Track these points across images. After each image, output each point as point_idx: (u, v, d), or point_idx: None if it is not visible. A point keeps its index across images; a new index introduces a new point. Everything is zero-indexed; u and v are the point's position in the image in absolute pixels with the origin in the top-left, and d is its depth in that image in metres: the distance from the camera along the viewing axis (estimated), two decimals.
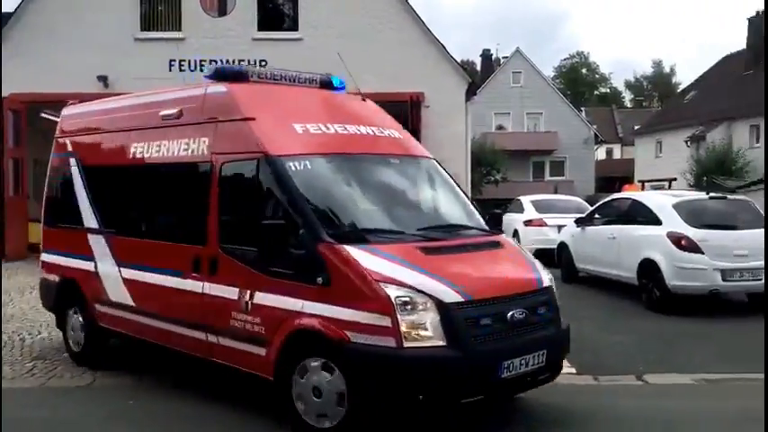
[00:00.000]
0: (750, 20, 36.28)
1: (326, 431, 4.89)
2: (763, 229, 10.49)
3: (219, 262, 5.64)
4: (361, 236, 5.13)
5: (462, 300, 4.82)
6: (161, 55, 17.44)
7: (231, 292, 5.49)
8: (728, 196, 12.16)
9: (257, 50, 17.49)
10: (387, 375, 4.68)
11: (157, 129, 6.47)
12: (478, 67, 56.49)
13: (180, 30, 17.88)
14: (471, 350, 4.75)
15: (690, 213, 10.46)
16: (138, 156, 6.65)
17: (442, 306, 4.72)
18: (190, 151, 6.10)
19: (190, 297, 5.85)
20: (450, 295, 4.79)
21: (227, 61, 17.38)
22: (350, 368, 4.78)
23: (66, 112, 7.94)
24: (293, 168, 5.37)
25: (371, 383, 4.71)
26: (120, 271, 6.68)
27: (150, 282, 6.30)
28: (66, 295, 7.39)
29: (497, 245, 5.74)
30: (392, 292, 4.69)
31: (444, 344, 4.68)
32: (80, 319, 7.23)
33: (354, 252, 4.90)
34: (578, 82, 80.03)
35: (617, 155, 59.45)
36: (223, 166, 5.76)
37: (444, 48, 18.33)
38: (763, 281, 9.87)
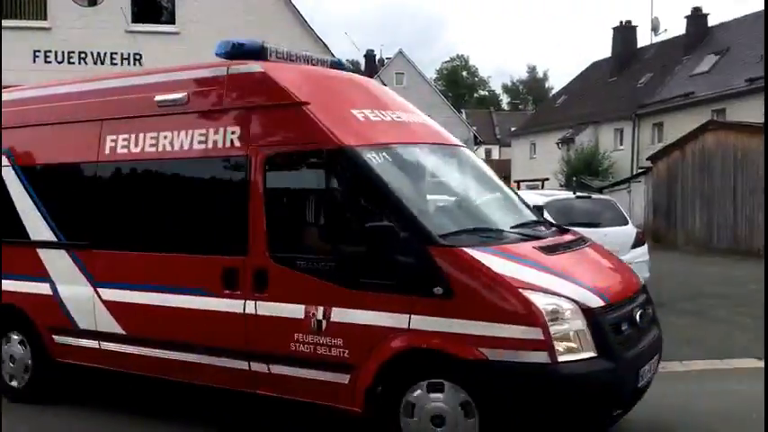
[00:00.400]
0: (615, 29, 38.58)
1: None
2: (623, 227, 11.27)
3: (271, 275, 4.70)
4: (475, 237, 4.46)
5: (603, 304, 4.28)
6: (25, 45, 16.35)
7: (293, 311, 4.60)
8: (593, 196, 12.96)
9: (132, 43, 16.77)
10: (540, 396, 4.05)
11: (150, 118, 5.39)
12: (362, 68, 56.95)
13: (45, 18, 16.85)
14: (620, 359, 4.23)
15: (558, 212, 10.98)
16: (121, 151, 5.48)
17: (588, 312, 4.15)
18: (210, 144, 5.07)
19: (224, 319, 4.86)
20: (593, 299, 4.24)
21: (99, 54, 16.64)
22: (490, 391, 4.09)
23: None
24: (374, 161, 4.57)
25: (519, 407, 4.07)
26: (97, 293, 5.51)
27: (154, 304, 5.20)
28: (1, 326, 6.06)
29: (586, 241, 5.23)
30: (538, 299, 4.06)
31: (595, 355, 4.11)
32: (24, 351, 5.97)
33: (479, 255, 4.21)
34: (459, 84, 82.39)
35: (495, 155, 61.68)
36: (269, 160, 4.81)
37: (327, 47, 18.31)
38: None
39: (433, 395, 4.21)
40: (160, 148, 5.31)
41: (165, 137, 5.28)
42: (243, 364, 4.86)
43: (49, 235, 5.85)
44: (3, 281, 5.83)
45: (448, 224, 4.55)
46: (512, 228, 4.90)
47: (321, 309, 4.51)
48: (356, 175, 4.56)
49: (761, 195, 19.12)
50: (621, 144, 33.46)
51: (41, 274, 5.83)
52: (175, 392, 5.58)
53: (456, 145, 5.66)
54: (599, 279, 4.61)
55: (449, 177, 5.38)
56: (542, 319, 4.01)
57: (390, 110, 5.24)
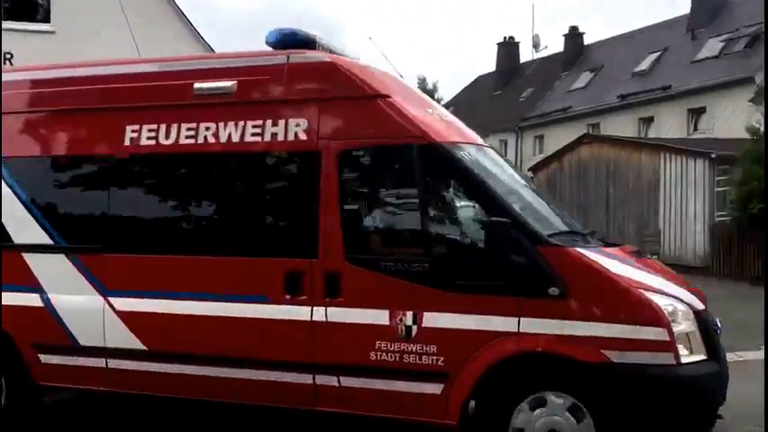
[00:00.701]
0: (499, 44, 40.03)
1: None
2: None
3: (346, 278, 4.35)
4: (570, 238, 4.36)
5: (704, 307, 4.34)
6: None
7: (375, 316, 4.27)
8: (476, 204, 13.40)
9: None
10: (661, 397, 3.92)
11: (186, 107, 4.89)
12: None
13: None
14: (723, 363, 4.25)
15: None
16: (147, 143, 4.90)
17: (697, 314, 4.17)
18: (268, 136, 4.64)
19: (284, 328, 4.44)
20: (697, 302, 4.27)
21: None
22: (608, 393, 3.94)
23: None
24: (467, 158, 4.43)
25: (638, 408, 3.93)
26: (109, 303, 4.86)
27: (188, 314, 4.64)
28: None
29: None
30: (658, 300, 4.02)
31: (705, 357, 4.12)
32: None
33: (592, 256, 4.13)
34: None
35: None
36: (344, 154, 4.47)
37: (211, 48, 17.94)
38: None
39: (537, 411, 4.06)
40: (200, 140, 4.80)
41: (208, 128, 4.79)
42: (305, 378, 4.45)
43: (42, 237, 5.11)
44: None
45: (544, 225, 4.41)
46: (587, 233, 4.85)
47: (410, 313, 4.21)
48: (453, 172, 4.42)
49: (631, 205, 20.39)
50: (506, 155, 34.75)
51: (26, 283, 5.06)
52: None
53: (484, 146, 5.50)
54: (685, 285, 4.59)
55: (518, 179, 5.27)
56: (666, 320, 3.96)
57: (439, 109, 5.15)
